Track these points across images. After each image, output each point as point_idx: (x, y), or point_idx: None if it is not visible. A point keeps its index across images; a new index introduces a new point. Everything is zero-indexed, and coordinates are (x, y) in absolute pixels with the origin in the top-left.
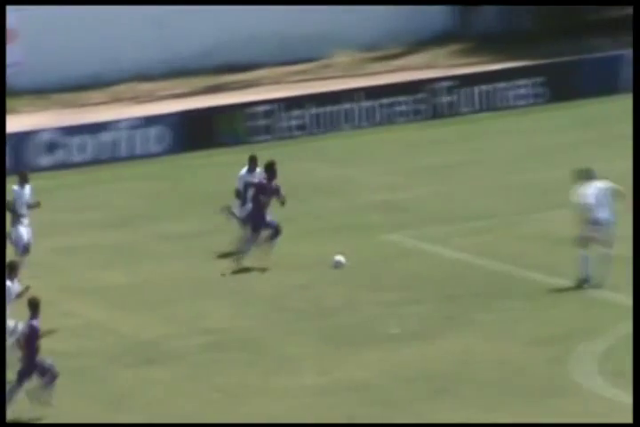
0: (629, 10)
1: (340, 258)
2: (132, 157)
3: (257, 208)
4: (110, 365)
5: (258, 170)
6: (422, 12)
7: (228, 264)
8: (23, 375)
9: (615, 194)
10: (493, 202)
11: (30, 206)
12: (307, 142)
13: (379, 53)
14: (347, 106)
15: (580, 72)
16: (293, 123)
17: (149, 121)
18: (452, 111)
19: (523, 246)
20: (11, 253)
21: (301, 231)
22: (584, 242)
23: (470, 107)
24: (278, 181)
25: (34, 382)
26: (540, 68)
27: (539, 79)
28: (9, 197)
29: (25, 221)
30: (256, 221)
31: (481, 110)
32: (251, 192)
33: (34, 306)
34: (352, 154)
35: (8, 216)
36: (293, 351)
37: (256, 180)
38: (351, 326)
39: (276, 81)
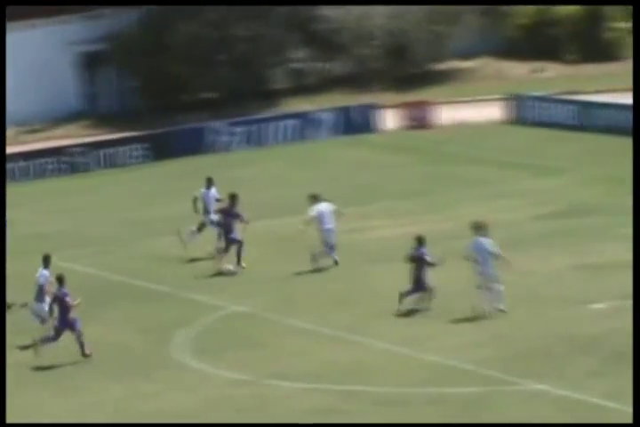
0: (213, 94)
1: (229, 266)
2: None
3: (226, 228)
4: None
5: (213, 189)
6: (59, 96)
7: None
8: (59, 330)
9: (335, 212)
10: (112, 231)
11: None
12: None
13: (30, 128)
14: (9, 166)
15: (175, 138)
16: None
17: None
18: (84, 168)
19: (134, 263)
20: None
21: None
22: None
23: (97, 165)
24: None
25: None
26: (145, 136)
27: (144, 145)
28: None
29: None
30: (227, 238)
31: (104, 167)
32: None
33: (60, 279)
34: (14, 200)
35: None
36: None
37: (223, 206)
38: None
39: None
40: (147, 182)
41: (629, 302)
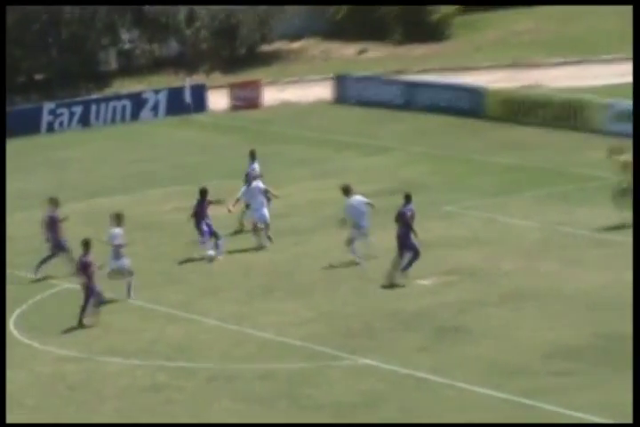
0: (44, 75)
1: (211, 252)
2: None
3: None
4: None
5: (256, 164)
6: None
7: None
8: (87, 296)
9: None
10: None
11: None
12: None
13: None
14: None
15: (6, 120)
16: None
17: None
18: None
19: None
20: None
21: None
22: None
23: None
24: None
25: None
26: None
27: None
28: None
29: None
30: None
31: None
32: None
33: (86, 245)
34: None
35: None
36: None
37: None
38: None
39: None
40: None
41: (453, 278)
